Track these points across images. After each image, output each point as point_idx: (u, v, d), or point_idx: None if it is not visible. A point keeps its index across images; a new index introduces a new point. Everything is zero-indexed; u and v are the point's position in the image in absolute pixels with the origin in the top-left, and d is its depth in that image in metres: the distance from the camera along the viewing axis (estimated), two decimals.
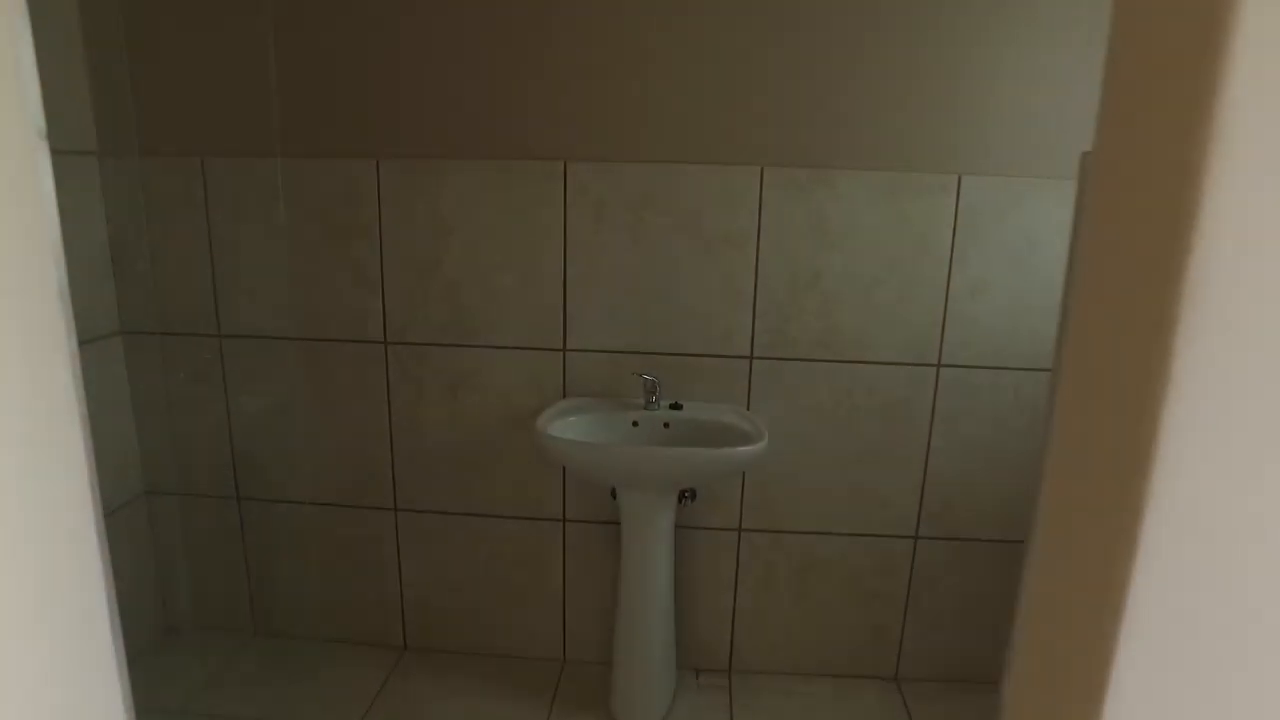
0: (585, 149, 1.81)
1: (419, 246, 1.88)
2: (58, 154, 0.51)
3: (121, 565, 2.07)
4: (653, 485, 1.77)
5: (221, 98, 1.86)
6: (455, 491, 2.03)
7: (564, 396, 1.94)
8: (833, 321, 1.84)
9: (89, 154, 1.91)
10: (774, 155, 1.77)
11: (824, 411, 1.89)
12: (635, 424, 1.85)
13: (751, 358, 1.88)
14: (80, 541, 0.53)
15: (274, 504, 2.10)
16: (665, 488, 1.79)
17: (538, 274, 1.87)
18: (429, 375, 1.95)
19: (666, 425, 1.85)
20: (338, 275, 1.92)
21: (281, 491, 2.09)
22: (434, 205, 1.86)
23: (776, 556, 2.00)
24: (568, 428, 1.79)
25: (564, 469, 1.98)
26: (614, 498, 1.86)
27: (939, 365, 1.85)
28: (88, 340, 1.96)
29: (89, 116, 1.90)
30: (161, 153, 1.91)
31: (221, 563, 2.17)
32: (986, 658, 1.95)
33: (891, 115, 1.74)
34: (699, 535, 2.00)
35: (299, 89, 1.83)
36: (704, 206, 1.80)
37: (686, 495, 1.87)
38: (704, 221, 1.81)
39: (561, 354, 1.91)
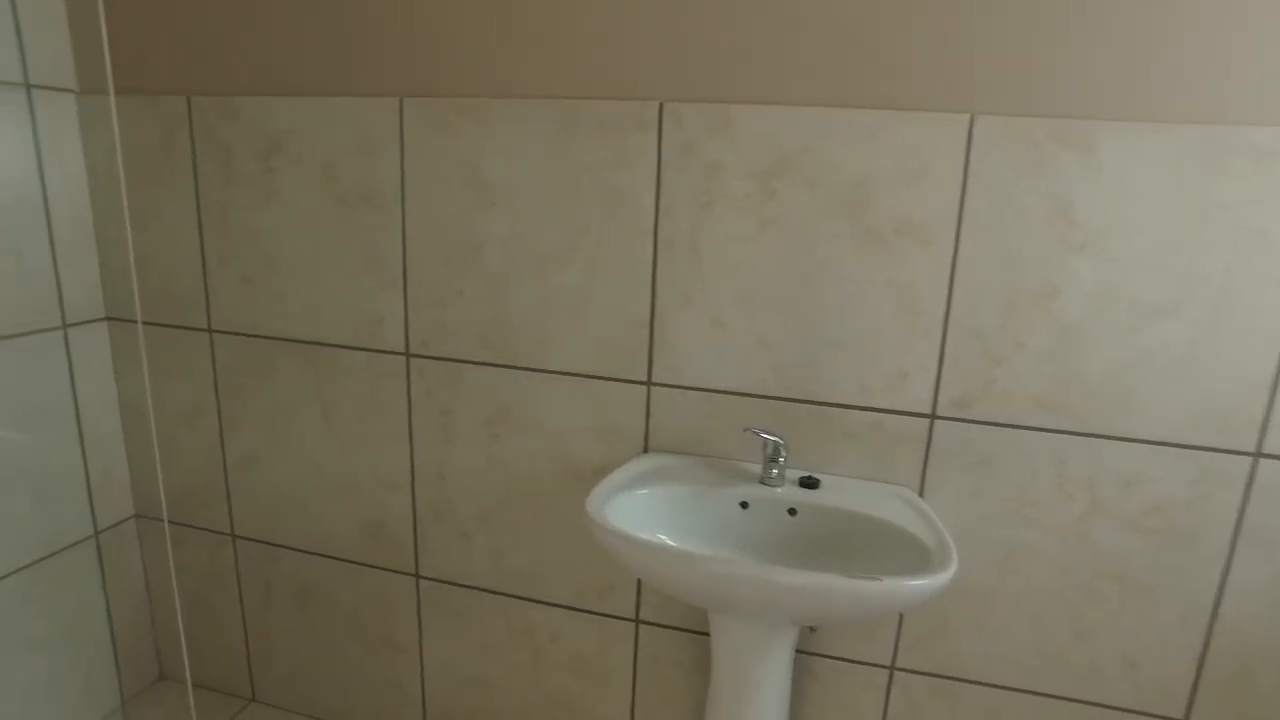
0: (692, 82, 1.19)
1: (452, 223, 1.34)
2: None
3: (114, 596, 1.69)
4: (766, 619, 1.15)
5: (206, 19, 1.38)
6: (492, 563, 1.48)
7: (645, 451, 1.34)
8: (1072, 366, 1.14)
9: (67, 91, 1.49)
10: (992, 98, 1.09)
11: (1044, 510, 1.20)
12: (744, 505, 1.23)
13: (933, 416, 1.21)
14: None
15: (274, 548, 1.63)
16: (784, 621, 1.16)
17: (614, 269, 1.28)
18: (461, 404, 1.41)
19: (792, 512, 1.21)
20: (345, 257, 1.41)
21: (281, 534, 1.62)
22: (475, 164, 1.30)
23: (945, 714, 1.32)
24: (641, 508, 1.19)
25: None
26: None
27: (1258, 454, 1.11)
28: (75, 323, 1.55)
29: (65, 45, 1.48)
30: (141, 90, 1.46)
31: (215, 610, 1.73)
32: None
33: (1208, 51, 1.02)
34: (828, 669, 1.36)
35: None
36: (874, 175, 1.15)
37: None
38: (872, 199, 1.16)
39: (645, 388, 1.31)
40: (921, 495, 1.24)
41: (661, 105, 1.21)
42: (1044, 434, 1.17)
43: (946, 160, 1.12)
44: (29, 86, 1.42)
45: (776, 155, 1.18)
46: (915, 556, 1.09)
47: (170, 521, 1.69)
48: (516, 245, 1.31)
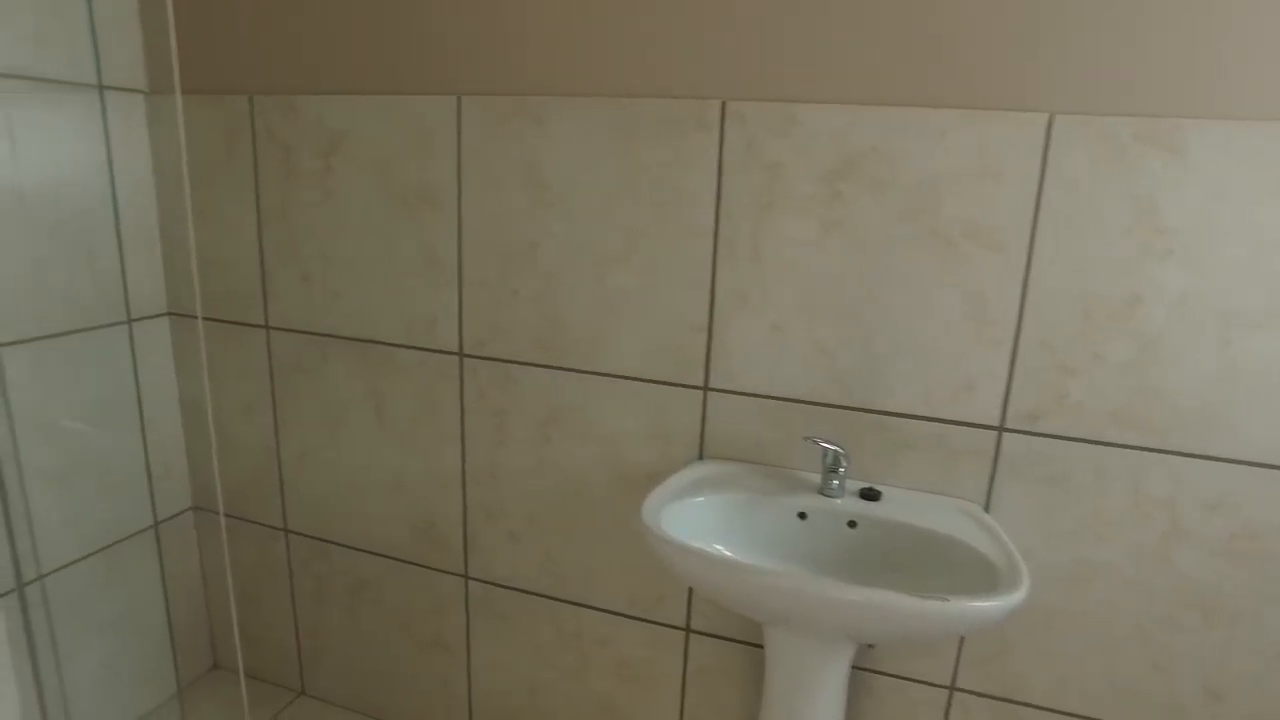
0: (756, 80, 1.16)
1: (508, 222, 1.33)
2: None
3: (171, 585, 1.71)
4: (823, 635, 1.11)
5: (269, 19, 1.39)
6: (542, 566, 1.47)
7: (700, 458, 1.31)
8: (1153, 380, 1.08)
9: (136, 91, 1.52)
10: (1073, 96, 1.04)
11: (1119, 530, 1.14)
12: (803, 516, 1.19)
13: (1001, 429, 1.16)
14: None
15: (325, 543, 1.64)
16: (842, 638, 1.12)
17: (673, 272, 1.25)
18: (514, 405, 1.40)
19: (852, 524, 1.17)
20: (401, 256, 1.41)
21: (333, 530, 1.63)
22: (532, 163, 1.29)
23: None
24: (696, 517, 1.16)
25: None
26: None
27: None
28: (139, 318, 1.58)
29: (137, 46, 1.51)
30: (206, 90, 1.48)
31: (268, 603, 1.75)
32: None
33: None
34: (885, 686, 1.31)
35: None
36: (944, 177, 1.10)
37: None
38: (941, 202, 1.11)
39: (701, 393, 1.29)
40: (987, 510, 1.19)
41: (724, 104, 1.18)
42: (1121, 450, 1.11)
43: (1022, 161, 1.07)
44: (102, 88, 1.45)
45: (842, 156, 1.14)
46: (982, 575, 1.04)
47: (225, 514, 1.72)
48: (573, 246, 1.29)
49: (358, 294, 1.46)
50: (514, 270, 1.34)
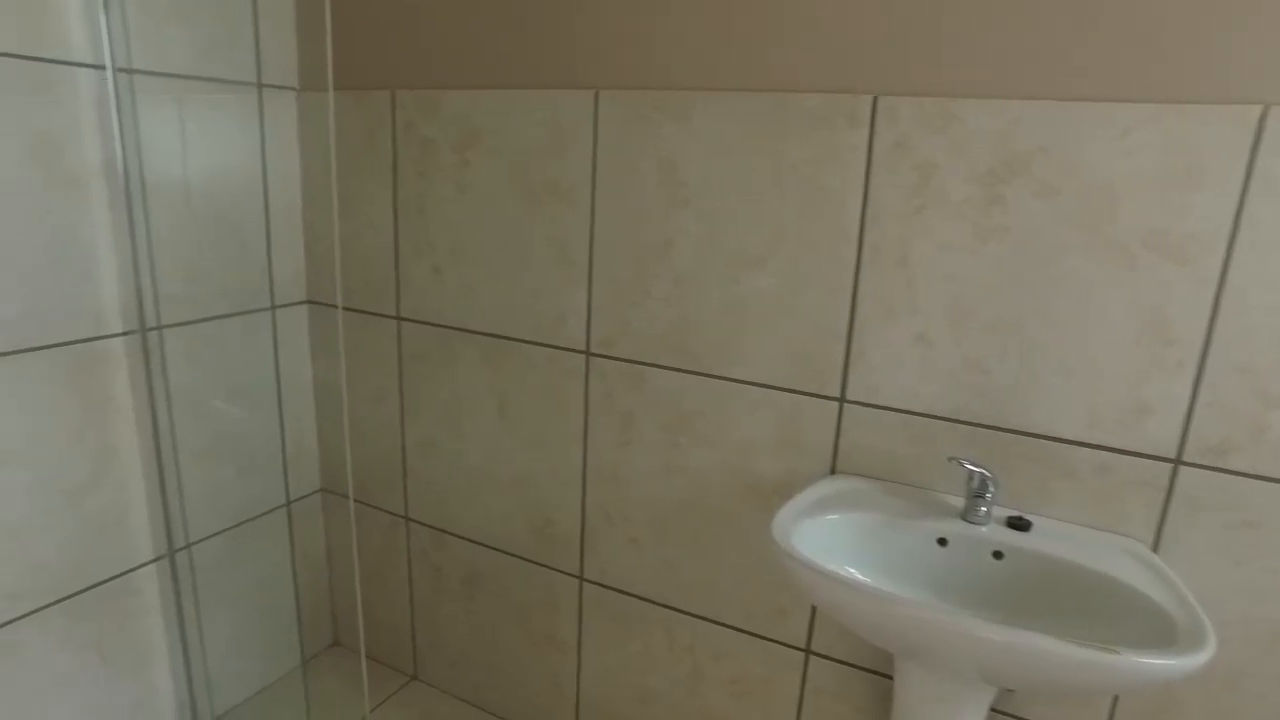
0: (912, 73, 1.09)
1: (642, 220, 1.30)
2: None
3: (300, 563, 1.78)
4: (962, 674, 1.03)
5: (412, 15, 1.42)
6: (660, 572, 1.43)
7: (832, 472, 1.24)
8: None
9: (288, 89, 1.58)
10: None
11: None
12: (943, 542, 1.11)
13: (1178, 461, 1.04)
14: None
15: (444, 534, 1.67)
16: (982, 679, 1.03)
17: (812, 276, 1.19)
18: (641, 408, 1.37)
19: (998, 555, 1.08)
20: (533, 251, 1.41)
21: (452, 521, 1.65)
22: (669, 159, 1.26)
23: None
24: (827, 535, 1.10)
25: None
26: None
27: None
28: (281, 305, 1.65)
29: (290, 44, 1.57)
30: (352, 86, 1.52)
31: (387, 588, 1.80)
32: None
33: None
34: None
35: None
36: (1125, 180, 1.00)
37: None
38: (1119, 207, 1.01)
39: (837, 405, 1.22)
40: (1156, 551, 1.07)
41: (875, 99, 1.11)
42: None
43: (1223, 162, 0.95)
44: (260, 86, 1.52)
45: (1005, 156, 1.05)
46: (1152, 626, 0.93)
47: (351, 498, 1.77)
48: (708, 245, 1.25)
49: (488, 288, 1.47)
50: (646, 269, 1.31)
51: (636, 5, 1.24)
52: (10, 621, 1.27)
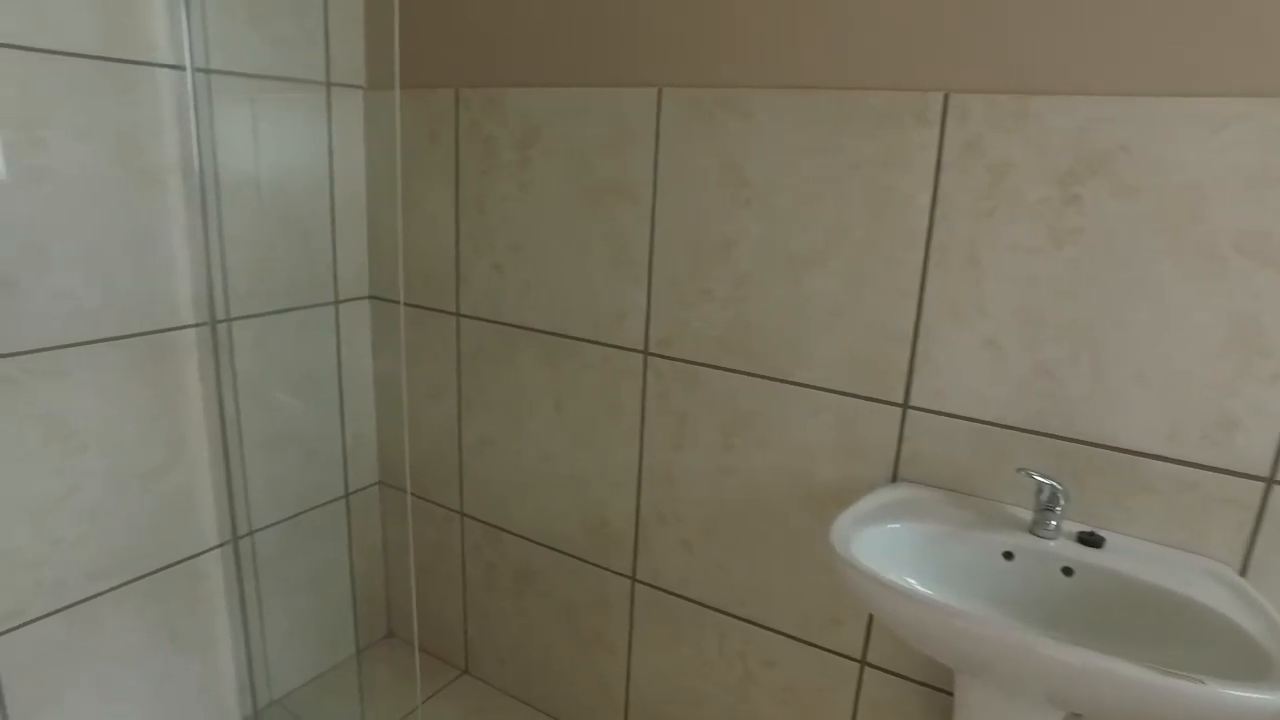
0: (985, 69, 1.05)
1: (703, 219, 1.28)
2: None
3: (356, 554, 1.82)
4: (1027, 695, 0.98)
5: (476, 13, 1.43)
6: (713, 575, 1.42)
7: (894, 480, 1.21)
8: None
9: (355, 87, 1.61)
10: None
11: None
12: (1009, 556, 1.07)
13: (1271, 480, 0.98)
14: None
15: (498, 531, 1.68)
16: (1048, 702, 0.98)
17: (877, 277, 1.16)
18: (698, 408, 1.36)
19: (1068, 572, 1.04)
20: (592, 250, 1.40)
21: (506, 518, 1.66)
22: (732, 158, 1.24)
23: None
24: (888, 544, 1.07)
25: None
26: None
27: None
28: (344, 300, 1.69)
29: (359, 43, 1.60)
30: (417, 84, 1.54)
31: (440, 582, 1.82)
32: None
33: None
34: None
35: None
36: (1216, 179, 0.94)
37: None
38: (1208, 209, 0.95)
39: (900, 410, 1.19)
40: (1244, 575, 1.01)
41: (946, 96, 1.07)
42: None
43: None
44: (329, 85, 1.55)
45: (1083, 155, 1.01)
46: (1238, 656, 0.88)
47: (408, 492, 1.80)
48: (770, 246, 1.23)
49: (547, 286, 1.47)
50: (706, 269, 1.29)
51: (700, 2, 1.22)
52: (90, 598, 1.33)
